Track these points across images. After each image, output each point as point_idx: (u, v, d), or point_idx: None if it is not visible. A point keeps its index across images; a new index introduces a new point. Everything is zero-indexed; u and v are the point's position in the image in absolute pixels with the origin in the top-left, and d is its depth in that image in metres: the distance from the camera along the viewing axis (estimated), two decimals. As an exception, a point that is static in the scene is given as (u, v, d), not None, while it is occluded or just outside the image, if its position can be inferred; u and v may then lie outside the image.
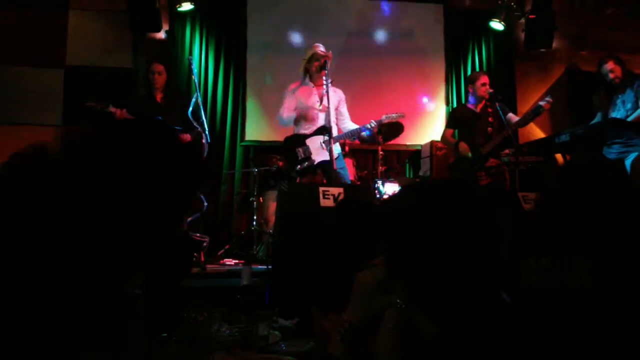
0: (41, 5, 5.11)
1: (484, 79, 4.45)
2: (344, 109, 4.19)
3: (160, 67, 4.14)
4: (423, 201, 1.08)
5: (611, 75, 4.20)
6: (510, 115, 4.36)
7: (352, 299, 1.14)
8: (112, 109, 3.86)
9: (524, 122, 4.30)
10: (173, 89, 4.16)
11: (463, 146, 4.35)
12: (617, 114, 4.17)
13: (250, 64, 5.63)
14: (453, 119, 4.68)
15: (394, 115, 4.10)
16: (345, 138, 4.13)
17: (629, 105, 4.12)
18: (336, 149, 3.97)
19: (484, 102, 4.46)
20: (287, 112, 4.05)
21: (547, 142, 4.22)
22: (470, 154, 4.31)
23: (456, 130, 4.62)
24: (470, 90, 4.52)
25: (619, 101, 4.20)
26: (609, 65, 4.21)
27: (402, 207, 1.12)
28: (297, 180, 3.93)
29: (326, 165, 3.85)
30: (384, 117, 4.05)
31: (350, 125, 4.13)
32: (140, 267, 1.40)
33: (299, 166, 3.91)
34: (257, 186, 4.72)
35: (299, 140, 4.00)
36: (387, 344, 1.06)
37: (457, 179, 4.34)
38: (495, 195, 3.66)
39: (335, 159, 3.80)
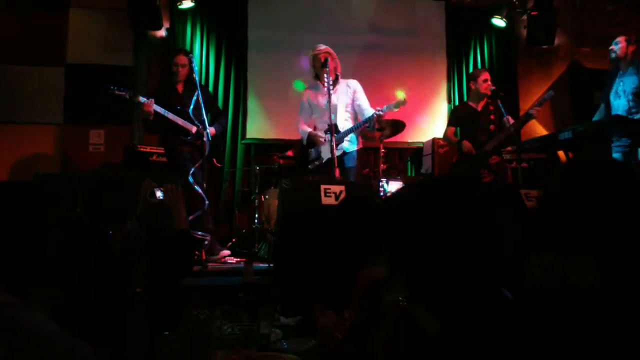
0: (41, 4, 5.10)
1: (485, 75, 4.42)
2: (362, 101, 4.02)
3: (184, 60, 4.12)
4: (425, 199, 1.08)
5: (612, 53, 4.06)
6: (504, 119, 4.32)
7: (354, 297, 1.14)
8: (139, 98, 3.85)
9: (514, 129, 4.22)
10: (193, 80, 4.16)
11: (466, 144, 4.33)
12: (618, 102, 4.02)
13: (251, 61, 5.61)
14: (455, 117, 4.66)
15: (392, 105, 3.91)
16: (349, 133, 4.05)
17: (630, 96, 3.97)
18: (351, 146, 3.98)
19: (485, 99, 4.43)
20: (303, 127, 4.11)
21: (550, 139, 4.20)
22: (473, 152, 4.28)
23: (458, 128, 4.60)
24: (472, 87, 4.49)
25: (620, 88, 4.04)
26: (618, 39, 4.05)
27: (404, 204, 1.12)
28: (310, 179, 3.96)
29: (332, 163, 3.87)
30: (385, 107, 3.78)
31: (367, 114, 3.92)
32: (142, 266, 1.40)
33: (310, 165, 3.94)
34: (258, 184, 4.72)
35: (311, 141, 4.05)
36: (388, 342, 1.06)
37: (459, 176, 4.34)
38: (497, 192, 3.65)
39: (345, 155, 3.87)
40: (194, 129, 4.00)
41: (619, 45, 4.04)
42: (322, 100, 4.00)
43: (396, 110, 3.87)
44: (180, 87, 4.17)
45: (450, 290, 1.01)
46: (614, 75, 4.17)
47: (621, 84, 4.05)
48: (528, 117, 4.19)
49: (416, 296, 1.04)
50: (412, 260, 1.04)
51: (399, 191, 1.24)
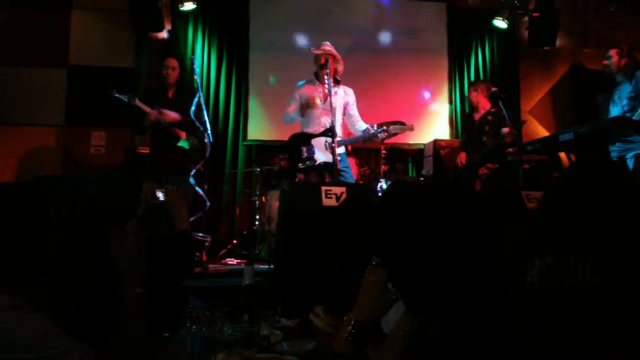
0: (44, 6, 5.12)
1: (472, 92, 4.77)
2: (354, 111, 4.11)
3: (174, 63, 4.16)
4: (423, 200, 1.08)
5: (606, 68, 4.14)
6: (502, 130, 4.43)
7: (359, 297, 1.14)
8: (139, 103, 3.87)
9: (494, 145, 4.45)
10: (184, 85, 4.16)
11: (461, 157, 4.66)
12: (615, 109, 4.09)
13: (253, 63, 5.63)
14: (463, 126, 5.23)
15: (402, 127, 4.06)
16: (353, 142, 4.10)
17: (625, 101, 4.02)
18: (341, 148, 3.99)
19: (482, 109, 4.64)
20: (292, 110, 4.09)
21: (551, 140, 4.18)
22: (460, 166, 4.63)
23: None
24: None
25: (616, 96, 4.11)
26: (609, 53, 4.12)
27: (402, 206, 1.12)
28: (297, 179, 3.93)
29: (329, 166, 3.85)
30: (391, 127, 3.98)
31: (361, 127, 4.06)
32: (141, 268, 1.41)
33: (300, 164, 3.91)
34: (259, 186, 4.72)
35: (304, 138, 4.00)
36: (390, 344, 1.06)
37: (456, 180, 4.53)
38: (498, 194, 3.65)
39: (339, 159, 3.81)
40: (183, 135, 4.03)
41: (611, 60, 4.10)
42: (316, 98, 4.02)
43: (400, 132, 4.10)
44: (170, 92, 4.19)
45: (450, 292, 1.01)
46: (610, 86, 4.25)
47: (617, 92, 4.12)
48: (502, 138, 4.38)
49: (416, 297, 1.04)
50: (411, 261, 1.04)
51: (389, 191, 1.23)
